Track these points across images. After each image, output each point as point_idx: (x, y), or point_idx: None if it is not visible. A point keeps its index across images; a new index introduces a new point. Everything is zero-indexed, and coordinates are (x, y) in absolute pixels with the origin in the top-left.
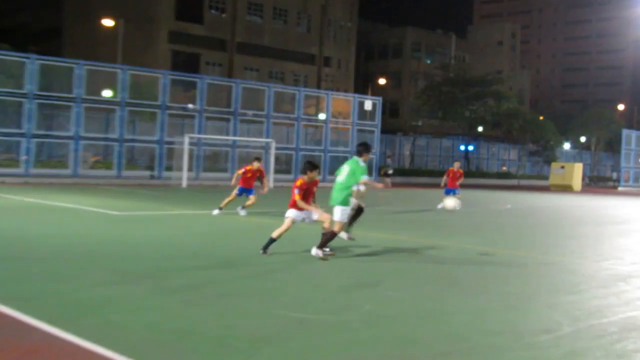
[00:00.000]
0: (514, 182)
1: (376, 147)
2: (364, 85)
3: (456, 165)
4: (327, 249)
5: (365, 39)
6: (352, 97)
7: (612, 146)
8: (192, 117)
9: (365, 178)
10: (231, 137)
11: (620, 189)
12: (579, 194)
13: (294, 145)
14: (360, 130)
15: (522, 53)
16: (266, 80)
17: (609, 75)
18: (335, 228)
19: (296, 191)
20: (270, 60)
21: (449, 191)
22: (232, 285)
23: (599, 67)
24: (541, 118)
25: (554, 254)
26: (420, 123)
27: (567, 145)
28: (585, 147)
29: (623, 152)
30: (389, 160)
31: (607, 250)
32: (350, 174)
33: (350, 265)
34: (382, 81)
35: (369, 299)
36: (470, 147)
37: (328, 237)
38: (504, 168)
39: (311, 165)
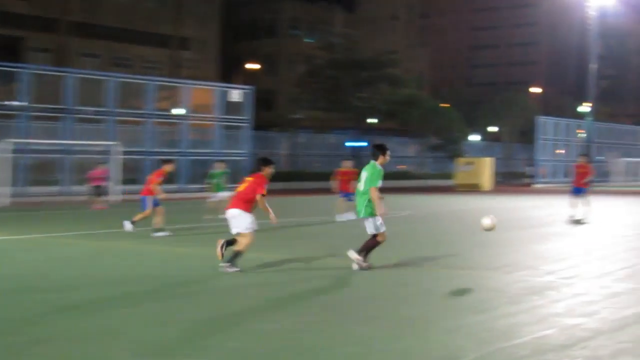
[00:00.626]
0: (415, 183)
1: (247, 147)
2: (231, 71)
3: (345, 165)
4: (365, 263)
5: (231, 15)
6: (216, 87)
7: (527, 136)
8: (14, 117)
9: (379, 184)
10: (64, 141)
11: (535, 186)
12: (490, 194)
13: (143, 149)
14: (227, 127)
15: (421, 29)
16: (108, 68)
17: (522, 52)
18: (379, 238)
19: (263, 188)
20: (112, 44)
21: (346, 195)
22: (57, 325)
23: (511, 43)
24: (444, 106)
25: (458, 266)
26: (300, 116)
27: (475, 137)
28: (497, 138)
29: (538, 142)
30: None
31: (520, 259)
32: (368, 180)
33: (211, 295)
34: (253, 66)
35: (235, 334)
36: (362, 143)
37: (370, 245)
38: (402, 166)
39: (266, 160)
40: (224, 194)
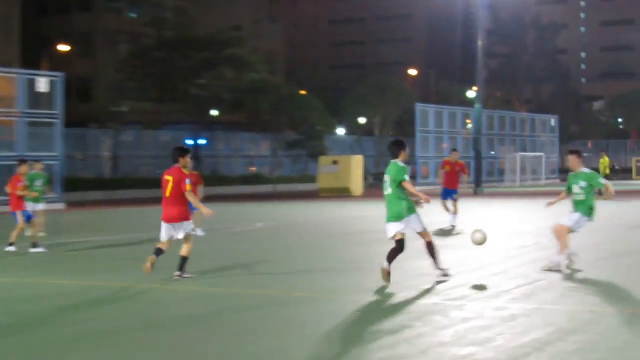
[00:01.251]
0: (269, 188)
1: (58, 149)
2: (36, 54)
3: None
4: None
5: None
6: (17, 74)
7: (404, 128)
8: None
9: (407, 179)
10: None
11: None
12: (360, 200)
13: None
14: (32, 124)
15: (270, 0)
16: None
17: (395, 27)
18: (426, 238)
19: (187, 181)
20: None
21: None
22: None
23: (381, 16)
24: (302, 93)
25: (323, 289)
26: (125, 109)
27: (341, 131)
28: (368, 131)
29: (418, 136)
30: None
31: (396, 279)
32: (395, 178)
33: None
34: (63, 47)
35: None
36: (202, 141)
37: (434, 252)
38: (253, 169)
39: (182, 150)
40: (40, 207)
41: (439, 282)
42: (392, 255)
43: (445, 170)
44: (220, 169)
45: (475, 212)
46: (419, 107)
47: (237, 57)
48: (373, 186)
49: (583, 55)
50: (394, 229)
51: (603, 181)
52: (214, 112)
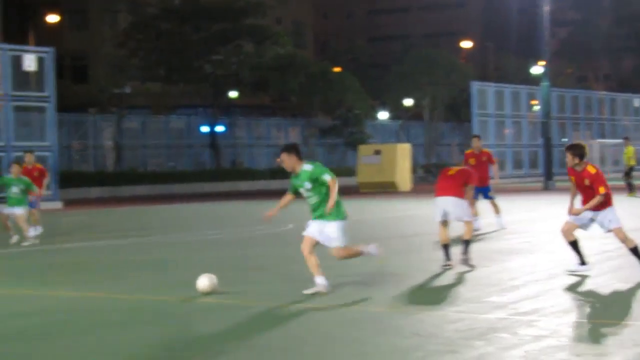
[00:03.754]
0: None
1: (51, 137)
2: (21, 27)
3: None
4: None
5: None
6: (0, 51)
7: (458, 112)
8: None
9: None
10: None
11: None
12: (407, 197)
13: None
14: (20, 109)
15: None
16: None
17: None
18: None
19: None
20: None
21: None
22: None
23: None
24: (336, 70)
25: (381, 302)
26: (128, 90)
27: (383, 115)
28: (415, 115)
29: (475, 120)
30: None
31: (455, 290)
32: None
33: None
34: (52, 18)
35: None
36: (219, 128)
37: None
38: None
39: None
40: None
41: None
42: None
43: (470, 164)
44: (242, 160)
45: (544, 210)
46: (476, 85)
47: (258, 27)
48: (423, 180)
49: None
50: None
51: None
52: (233, 94)
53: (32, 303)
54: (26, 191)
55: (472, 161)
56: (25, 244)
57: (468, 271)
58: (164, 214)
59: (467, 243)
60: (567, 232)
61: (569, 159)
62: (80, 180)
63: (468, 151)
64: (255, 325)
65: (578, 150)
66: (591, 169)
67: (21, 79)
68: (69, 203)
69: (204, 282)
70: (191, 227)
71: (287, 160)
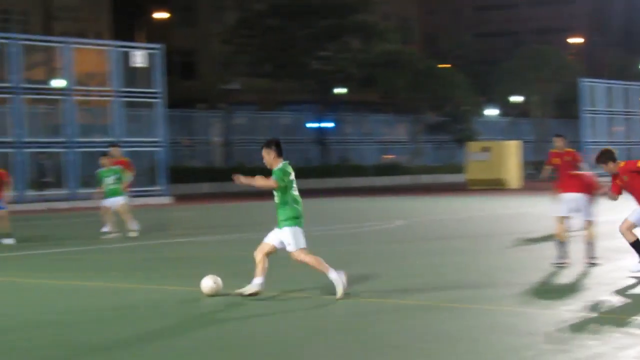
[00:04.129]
0: (407, 179)
1: (161, 133)
2: (130, 24)
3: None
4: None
5: None
6: (112, 47)
7: (567, 107)
8: None
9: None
10: None
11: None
12: (517, 194)
13: (10, 139)
14: (130, 105)
15: None
16: None
17: None
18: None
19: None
20: None
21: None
22: None
23: None
24: (444, 66)
25: (478, 297)
26: (236, 86)
27: (491, 112)
28: (523, 112)
29: (583, 117)
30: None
31: (564, 285)
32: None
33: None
34: (160, 15)
35: None
36: (327, 124)
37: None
38: (388, 157)
39: None
40: (116, 200)
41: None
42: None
43: (555, 165)
44: (350, 156)
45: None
46: (585, 82)
47: (366, 24)
48: (533, 177)
49: None
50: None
51: None
52: (340, 90)
53: (137, 296)
54: (120, 180)
55: (556, 161)
56: (131, 234)
57: (581, 269)
58: (272, 209)
59: (592, 243)
60: (626, 231)
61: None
62: (189, 176)
63: (552, 150)
64: (366, 320)
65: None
66: None
67: (131, 76)
68: (179, 198)
69: (207, 283)
70: None
71: (266, 156)
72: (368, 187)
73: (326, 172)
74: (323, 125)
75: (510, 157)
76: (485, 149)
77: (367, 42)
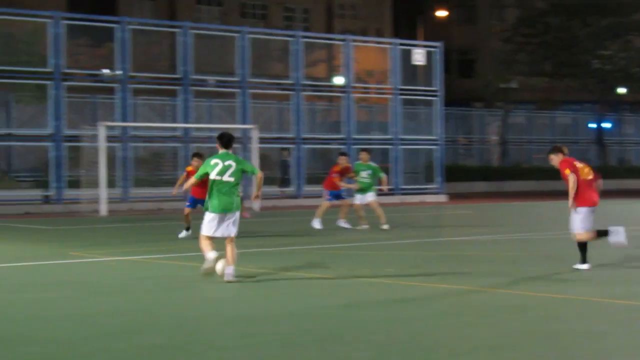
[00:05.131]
0: None
1: (438, 131)
2: (410, 22)
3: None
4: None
5: None
6: (391, 45)
7: None
8: (109, 91)
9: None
10: (182, 124)
11: None
12: None
13: (292, 135)
14: (408, 102)
15: None
16: (237, 21)
17: None
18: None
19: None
20: None
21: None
22: None
23: None
24: None
25: None
26: (515, 85)
27: None
28: None
29: None
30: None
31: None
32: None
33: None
34: (441, 13)
35: None
36: (606, 124)
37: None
38: None
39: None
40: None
41: None
42: None
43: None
44: (629, 157)
45: None
46: None
47: None
48: None
49: None
50: None
51: None
52: (621, 90)
53: (410, 292)
54: (373, 176)
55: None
56: (384, 227)
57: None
58: (549, 210)
59: None
60: None
61: None
62: (465, 175)
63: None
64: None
65: None
66: None
67: (410, 73)
68: (454, 197)
69: (218, 267)
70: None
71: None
72: None
73: (606, 173)
74: (602, 125)
75: None
76: None
77: None
